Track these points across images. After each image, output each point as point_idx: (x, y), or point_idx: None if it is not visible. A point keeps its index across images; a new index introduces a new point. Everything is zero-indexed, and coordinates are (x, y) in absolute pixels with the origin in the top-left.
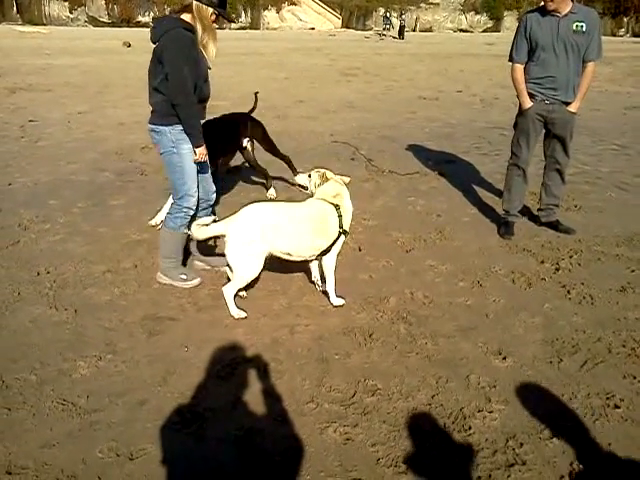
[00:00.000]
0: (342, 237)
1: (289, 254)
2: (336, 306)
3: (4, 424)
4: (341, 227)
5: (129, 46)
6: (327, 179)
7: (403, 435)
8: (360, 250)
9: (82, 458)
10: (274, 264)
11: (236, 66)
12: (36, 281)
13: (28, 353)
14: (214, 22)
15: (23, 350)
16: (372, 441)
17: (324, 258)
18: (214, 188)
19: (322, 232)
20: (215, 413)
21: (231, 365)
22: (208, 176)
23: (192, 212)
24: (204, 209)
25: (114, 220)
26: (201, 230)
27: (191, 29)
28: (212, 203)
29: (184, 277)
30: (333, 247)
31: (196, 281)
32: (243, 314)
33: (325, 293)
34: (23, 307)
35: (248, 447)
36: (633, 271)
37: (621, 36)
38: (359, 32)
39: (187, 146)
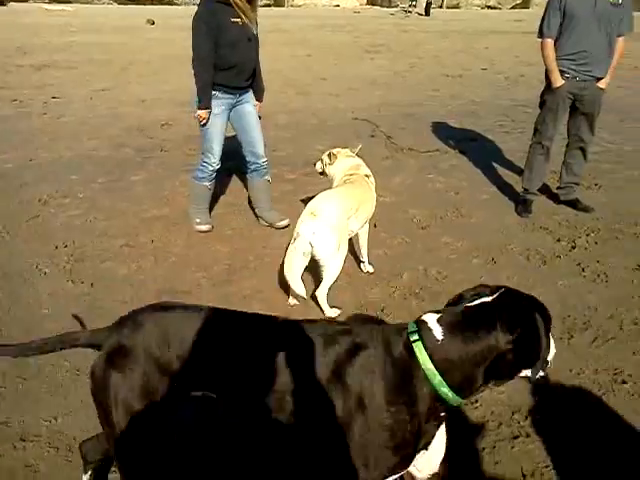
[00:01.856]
0: None
1: (352, 231)
2: (371, 273)
3: (19, 393)
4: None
5: (152, 24)
6: (335, 155)
7: None
8: (375, 226)
9: (95, 426)
10: (284, 237)
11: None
12: (54, 254)
13: (44, 324)
14: None
15: (38, 321)
16: None
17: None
18: (262, 153)
19: (373, 202)
20: None
21: None
22: (255, 140)
23: (212, 168)
24: (255, 171)
25: (134, 195)
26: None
27: (224, 1)
28: (263, 167)
29: (198, 220)
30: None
31: (203, 227)
32: (338, 311)
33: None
34: (41, 280)
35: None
36: None
37: None
38: (384, 9)
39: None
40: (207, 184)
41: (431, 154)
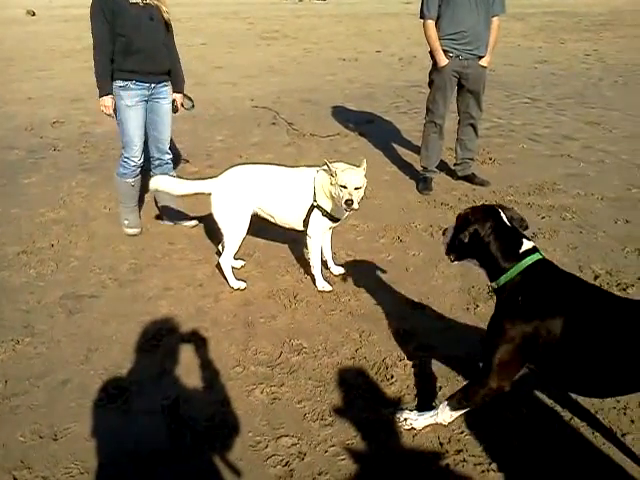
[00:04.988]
0: (316, 211)
1: (272, 216)
2: (320, 291)
3: None
4: (315, 200)
5: (33, 15)
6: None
7: (329, 389)
8: None
9: (3, 444)
10: (191, 232)
11: None
12: None
13: None
14: None
15: None
16: (298, 398)
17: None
18: (167, 149)
19: (301, 198)
20: (141, 386)
21: (156, 337)
22: (163, 137)
23: (133, 163)
24: (158, 167)
25: (27, 199)
26: (185, 185)
27: None
28: (166, 163)
29: (126, 222)
30: (310, 220)
31: (131, 230)
32: (243, 284)
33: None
34: None
35: (175, 416)
36: (543, 218)
37: None
38: None
39: (123, 102)
40: (130, 181)
41: (332, 138)
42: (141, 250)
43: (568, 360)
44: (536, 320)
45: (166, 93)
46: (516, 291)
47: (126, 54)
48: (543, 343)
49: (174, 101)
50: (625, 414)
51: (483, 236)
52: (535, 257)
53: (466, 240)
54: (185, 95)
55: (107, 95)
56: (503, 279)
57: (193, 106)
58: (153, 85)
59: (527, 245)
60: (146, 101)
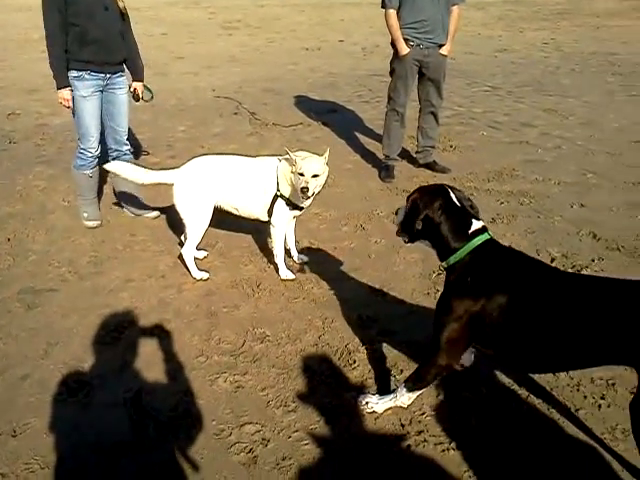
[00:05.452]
0: (280, 200)
1: (235, 207)
2: (283, 279)
3: None
4: (278, 190)
5: None
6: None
7: (292, 376)
8: None
9: None
10: (153, 223)
11: None
12: None
13: None
14: None
15: None
16: (262, 386)
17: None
18: (125, 140)
19: (264, 187)
20: (102, 379)
21: (117, 330)
22: (120, 129)
23: (90, 154)
24: (116, 158)
25: None
26: (148, 175)
27: None
28: (125, 154)
29: (85, 215)
30: (274, 210)
31: (90, 222)
32: (205, 275)
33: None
34: None
35: (137, 408)
36: (502, 203)
37: None
38: None
39: (78, 93)
40: (88, 172)
41: (295, 128)
42: (101, 242)
43: (514, 337)
44: (483, 298)
45: (122, 83)
46: (465, 271)
47: (81, 44)
48: (490, 321)
49: (135, 90)
50: (578, 390)
51: (433, 217)
52: (484, 237)
53: (419, 227)
54: (145, 86)
55: (65, 88)
56: (452, 259)
57: (152, 97)
58: (108, 75)
59: (476, 225)
60: (101, 91)
